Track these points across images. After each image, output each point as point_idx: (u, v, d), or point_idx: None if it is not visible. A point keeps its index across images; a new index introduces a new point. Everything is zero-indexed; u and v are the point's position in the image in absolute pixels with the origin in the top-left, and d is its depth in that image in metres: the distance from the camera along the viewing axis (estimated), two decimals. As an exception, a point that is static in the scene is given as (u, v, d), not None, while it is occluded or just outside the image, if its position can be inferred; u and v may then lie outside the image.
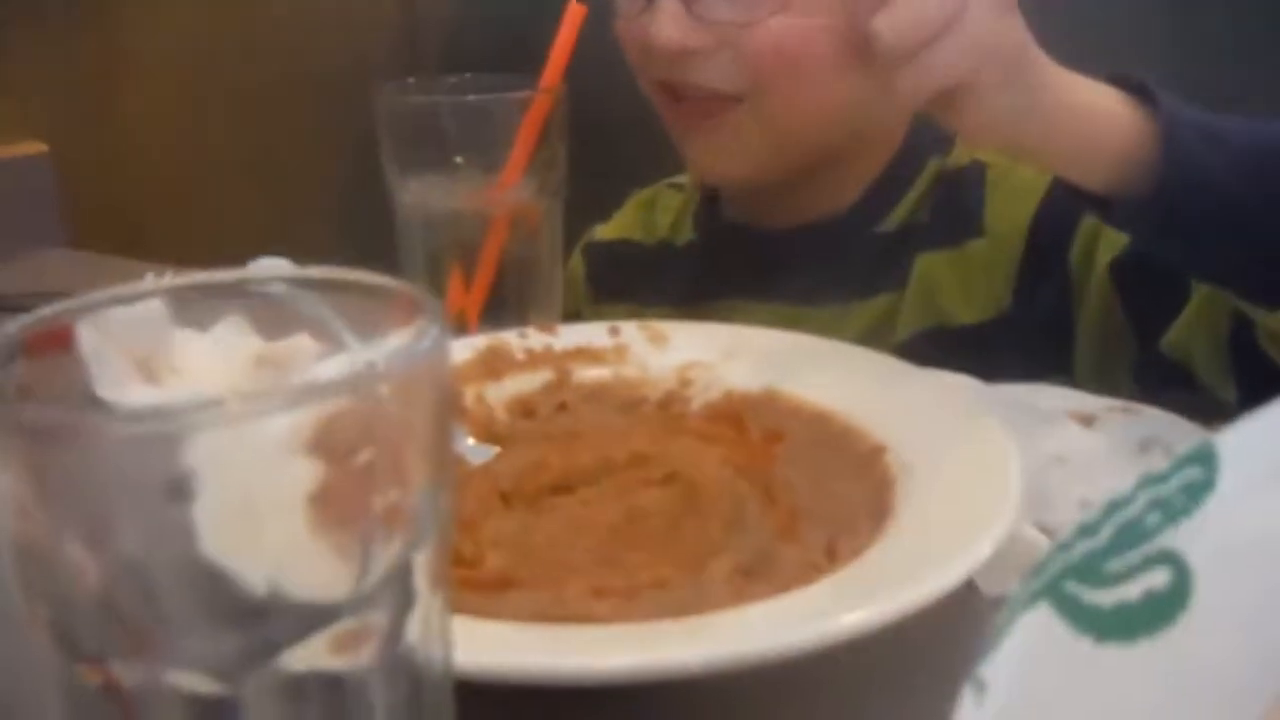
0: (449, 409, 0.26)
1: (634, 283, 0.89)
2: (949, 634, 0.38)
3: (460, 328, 0.67)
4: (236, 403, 0.22)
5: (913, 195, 0.80)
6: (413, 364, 0.24)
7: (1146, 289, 0.69)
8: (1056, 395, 0.59)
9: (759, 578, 0.44)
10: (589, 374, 0.62)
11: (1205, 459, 0.23)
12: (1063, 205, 0.72)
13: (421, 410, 0.24)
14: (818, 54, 0.69)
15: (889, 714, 0.41)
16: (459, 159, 0.68)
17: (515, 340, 0.64)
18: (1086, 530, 0.24)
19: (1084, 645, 0.22)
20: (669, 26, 0.70)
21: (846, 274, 0.79)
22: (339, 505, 0.23)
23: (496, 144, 0.67)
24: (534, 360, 0.63)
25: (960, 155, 0.79)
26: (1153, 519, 0.23)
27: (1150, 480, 0.24)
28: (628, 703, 0.40)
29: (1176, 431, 0.55)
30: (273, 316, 0.27)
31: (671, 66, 0.73)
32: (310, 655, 0.23)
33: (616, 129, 0.93)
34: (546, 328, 0.65)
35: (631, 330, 0.65)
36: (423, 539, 0.25)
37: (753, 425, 0.57)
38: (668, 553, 0.46)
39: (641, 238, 0.92)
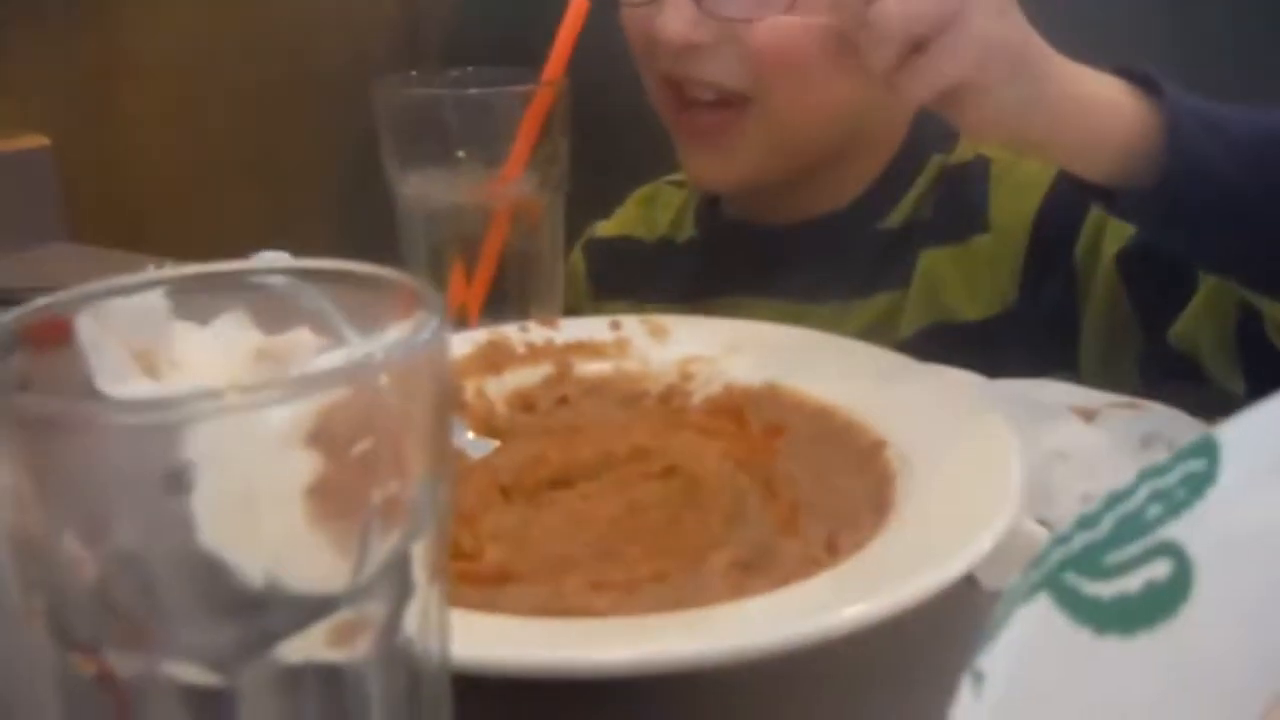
0: (448, 400, 0.26)
1: (635, 280, 0.89)
2: (949, 628, 0.38)
3: (461, 322, 0.67)
4: (235, 394, 0.22)
5: (915, 191, 0.80)
6: (412, 355, 0.24)
7: (1153, 281, 0.68)
8: (1059, 390, 0.59)
9: (759, 572, 0.44)
10: (590, 368, 0.62)
11: (1207, 451, 0.23)
12: (1067, 199, 0.72)
13: (420, 401, 0.24)
14: (820, 52, 0.69)
15: (889, 708, 0.41)
16: (460, 153, 0.67)
17: (516, 334, 0.64)
18: (1086, 522, 0.24)
19: (1083, 637, 0.22)
20: (676, 20, 0.70)
21: (848, 271, 0.79)
22: (337, 497, 0.23)
23: (498, 138, 0.67)
24: (535, 354, 0.63)
25: (963, 151, 0.79)
26: (1154, 511, 0.23)
27: (1151, 472, 0.24)
28: (627, 697, 0.40)
29: (1179, 427, 0.55)
30: (273, 310, 0.27)
31: (676, 60, 0.72)
32: (307, 646, 0.23)
33: (619, 123, 0.93)
34: (547, 321, 0.65)
35: (632, 324, 0.64)
36: (421, 531, 0.25)
37: (754, 419, 0.57)
38: (668, 547, 0.46)
39: (642, 235, 0.92)
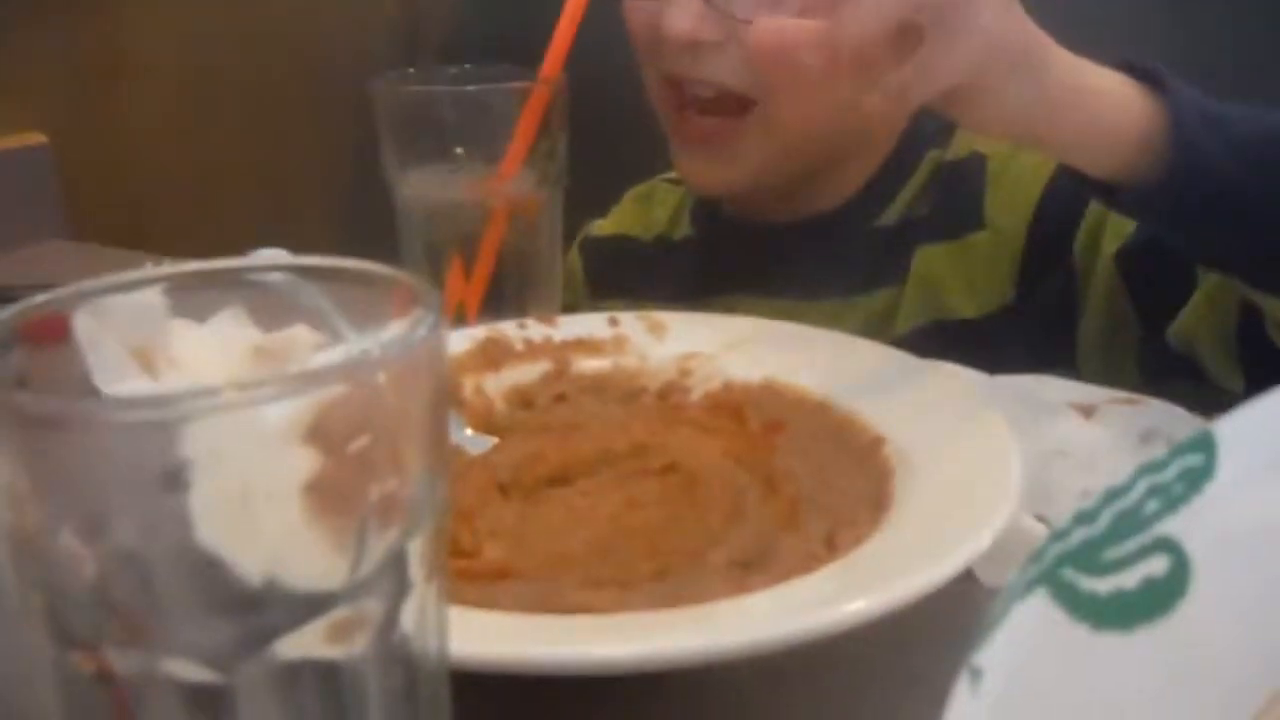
0: (446, 397, 0.26)
1: (632, 279, 0.88)
2: (948, 624, 0.38)
3: (460, 319, 0.67)
4: (232, 391, 0.22)
5: (911, 188, 0.79)
6: (409, 352, 0.24)
7: (1153, 278, 0.68)
8: (1058, 386, 0.59)
9: (758, 568, 0.44)
10: (588, 365, 0.62)
11: (1205, 446, 0.23)
12: (1066, 195, 0.72)
13: (418, 399, 0.24)
14: (820, 53, 0.69)
15: (887, 705, 0.41)
16: (459, 150, 0.67)
17: (514, 331, 0.64)
18: (1084, 518, 0.24)
19: (1081, 632, 0.22)
20: (683, 16, 0.70)
21: (845, 268, 0.79)
22: (335, 494, 0.23)
23: (496, 135, 0.67)
24: (533, 351, 0.63)
25: (959, 146, 0.79)
26: (1151, 506, 0.23)
27: (1149, 468, 0.24)
28: (625, 693, 0.40)
29: (1178, 423, 0.55)
30: (271, 307, 0.27)
31: (680, 57, 0.72)
32: (305, 644, 0.23)
33: (618, 120, 0.93)
34: (546, 318, 0.65)
35: (631, 321, 0.64)
36: (418, 527, 0.25)
37: (752, 416, 0.57)
38: (666, 543, 0.46)
39: (639, 233, 0.92)
